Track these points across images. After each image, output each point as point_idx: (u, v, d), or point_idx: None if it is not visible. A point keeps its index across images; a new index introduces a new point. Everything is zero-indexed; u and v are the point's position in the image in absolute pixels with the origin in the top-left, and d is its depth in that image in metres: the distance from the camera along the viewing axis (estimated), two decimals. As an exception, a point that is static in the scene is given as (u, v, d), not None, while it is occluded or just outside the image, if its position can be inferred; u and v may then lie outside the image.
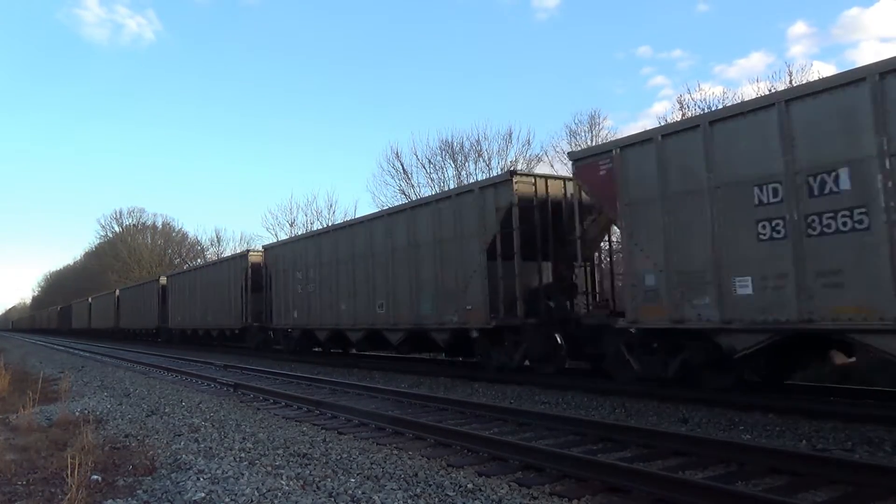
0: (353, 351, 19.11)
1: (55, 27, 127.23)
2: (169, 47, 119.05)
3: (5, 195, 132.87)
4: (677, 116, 23.43)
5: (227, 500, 4.62)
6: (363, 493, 4.75)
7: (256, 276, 22.67)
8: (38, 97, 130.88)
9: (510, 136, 31.87)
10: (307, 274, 18.63)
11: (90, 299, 53.66)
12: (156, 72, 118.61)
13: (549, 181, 12.59)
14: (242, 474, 5.28)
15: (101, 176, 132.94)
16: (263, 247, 23.23)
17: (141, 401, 10.47)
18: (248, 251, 24.41)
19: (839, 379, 9.78)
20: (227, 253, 53.41)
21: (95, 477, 5.28)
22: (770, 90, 20.69)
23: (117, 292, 44.39)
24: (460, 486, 4.92)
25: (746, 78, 48.35)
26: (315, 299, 18.22)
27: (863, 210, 6.95)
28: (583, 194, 10.97)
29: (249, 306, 22.91)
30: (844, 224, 7.10)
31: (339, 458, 6.04)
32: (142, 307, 37.60)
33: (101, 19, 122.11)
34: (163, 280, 34.88)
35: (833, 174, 7.20)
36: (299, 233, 35.62)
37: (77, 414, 8.84)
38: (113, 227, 71.55)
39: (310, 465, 5.75)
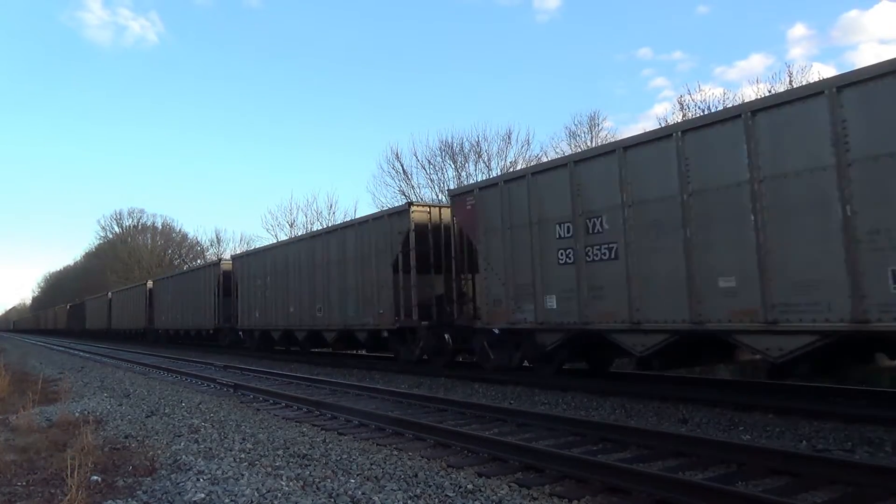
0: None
1: (58, 30, 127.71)
2: (171, 49, 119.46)
3: (6, 196, 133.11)
4: (678, 117, 23.49)
5: (227, 500, 4.62)
6: (363, 493, 4.74)
7: (423, 245, 14.52)
8: (40, 99, 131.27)
9: (509, 137, 31.93)
10: (595, 225, 9.98)
11: (110, 294, 45.75)
12: (158, 73, 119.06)
13: None
14: (242, 475, 5.28)
15: (102, 177, 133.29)
16: (452, 192, 13.74)
17: (141, 401, 10.47)
18: (408, 205, 14.85)
19: (839, 380, 9.79)
20: (228, 254, 52.65)
21: (95, 478, 5.28)
22: (770, 91, 20.75)
23: (150, 284, 36.45)
24: (460, 487, 4.92)
25: (746, 79, 48.36)
26: (620, 273, 9.52)
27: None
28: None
29: (413, 294, 14.36)
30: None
31: (339, 458, 6.04)
32: (190, 302, 29.31)
33: (104, 22, 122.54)
34: (226, 264, 26.06)
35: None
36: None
37: (77, 415, 8.83)
38: (113, 228, 71.75)
39: (310, 465, 5.74)
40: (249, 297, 22.96)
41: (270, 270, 21.36)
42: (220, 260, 27.61)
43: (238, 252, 27.41)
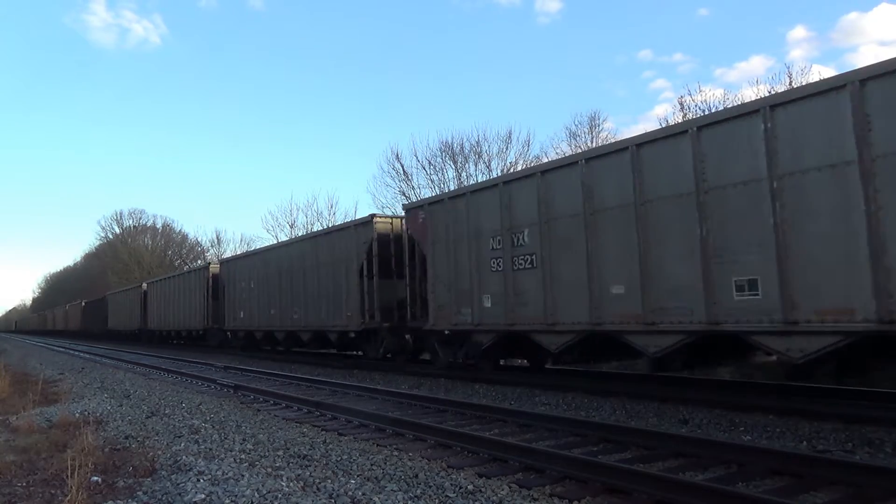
0: None
1: (63, 32, 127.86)
2: (174, 51, 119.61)
3: (7, 197, 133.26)
4: (679, 118, 23.49)
5: (227, 501, 4.62)
6: (363, 494, 4.74)
7: None
8: (42, 100, 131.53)
9: (510, 138, 31.83)
10: None
11: (145, 285, 37.08)
12: (159, 75, 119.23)
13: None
14: (243, 475, 5.28)
15: (102, 177, 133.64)
16: None
17: (141, 402, 10.47)
18: None
19: (839, 380, 9.78)
20: (228, 254, 51.93)
21: (95, 478, 5.28)
22: (770, 92, 20.73)
23: (214, 268, 26.74)
24: (461, 488, 4.92)
25: (746, 81, 48.24)
26: None
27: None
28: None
29: None
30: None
31: (339, 459, 6.03)
32: (299, 290, 18.87)
33: (108, 24, 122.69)
34: (382, 223, 15.88)
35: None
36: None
37: (77, 415, 8.83)
38: (113, 229, 71.60)
39: (310, 466, 5.74)
40: (459, 273, 12.75)
41: (527, 219, 11.12)
42: (372, 217, 15.87)
43: (420, 200, 16.41)
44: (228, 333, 25.00)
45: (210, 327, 26.31)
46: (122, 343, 38.10)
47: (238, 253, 26.78)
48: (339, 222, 19.56)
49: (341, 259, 16.93)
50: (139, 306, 36.89)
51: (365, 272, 15.68)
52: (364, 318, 15.78)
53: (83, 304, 55.15)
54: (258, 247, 27.28)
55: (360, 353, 17.75)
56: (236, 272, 24.27)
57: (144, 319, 35.97)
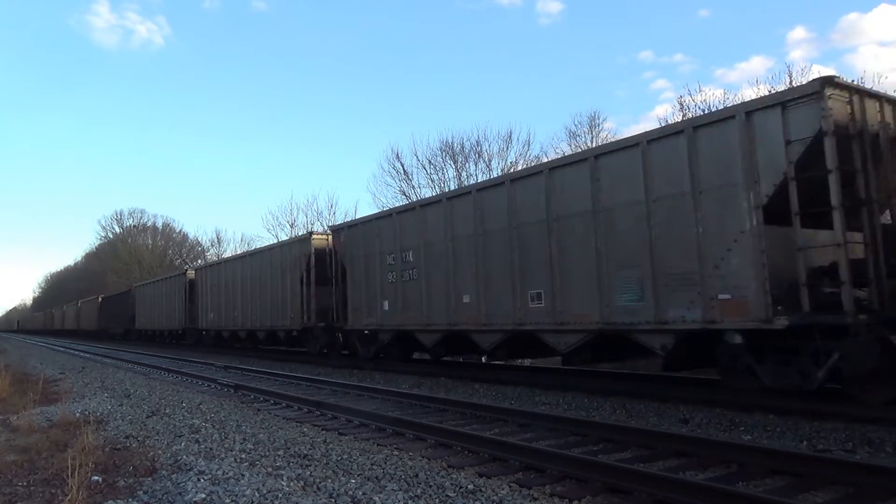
0: None
1: (66, 32, 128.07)
2: (176, 51, 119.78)
3: (8, 197, 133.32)
4: (678, 118, 23.48)
5: (227, 500, 4.62)
6: (364, 493, 4.74)
7: None
8: (44, 100, 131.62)
9: (510, 137, 31.76)
10: None
11: (192, 273, 29.26)
12: (161, 75, 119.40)
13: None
14: (243, 475, 5.28)
15: (103, 177, 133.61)
16: None
17: (141, 402, 10.47)
18: None
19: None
20: (228, 253, 51.48)
21: (96, 478, 5.28)
22: (770, 92, 20.69)
23: (318, 240, 18.19)
24: (461, 487, 4.92)
25: (746, 81, 48.35)
26: None
27: None
28: None
29: None
30: None
31: (339, 458, 6.04)
32: (528, 254, 10.88)
33: (112, 25, 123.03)
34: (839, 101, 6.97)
35: None
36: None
37: (77, 415, 8.83)
38: (113, 228, 71.63)
39: (310, 465, 5.74)
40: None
41: None
42: (823, 83, 7.16)
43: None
44: (340, 335, 17.45)
45: (312, 325, 18.03)
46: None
47: (361, 216, 17.64)
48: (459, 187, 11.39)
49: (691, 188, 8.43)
50: (182, 300, 28.82)
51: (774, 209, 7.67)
52: (801, 303, 7.51)
53: (100, 299, 45.91)
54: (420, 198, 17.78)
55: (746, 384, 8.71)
56: (366, 241, 15.14)
57: (191, 317, 28.05)
